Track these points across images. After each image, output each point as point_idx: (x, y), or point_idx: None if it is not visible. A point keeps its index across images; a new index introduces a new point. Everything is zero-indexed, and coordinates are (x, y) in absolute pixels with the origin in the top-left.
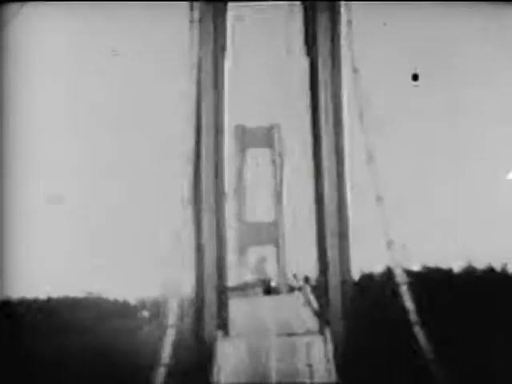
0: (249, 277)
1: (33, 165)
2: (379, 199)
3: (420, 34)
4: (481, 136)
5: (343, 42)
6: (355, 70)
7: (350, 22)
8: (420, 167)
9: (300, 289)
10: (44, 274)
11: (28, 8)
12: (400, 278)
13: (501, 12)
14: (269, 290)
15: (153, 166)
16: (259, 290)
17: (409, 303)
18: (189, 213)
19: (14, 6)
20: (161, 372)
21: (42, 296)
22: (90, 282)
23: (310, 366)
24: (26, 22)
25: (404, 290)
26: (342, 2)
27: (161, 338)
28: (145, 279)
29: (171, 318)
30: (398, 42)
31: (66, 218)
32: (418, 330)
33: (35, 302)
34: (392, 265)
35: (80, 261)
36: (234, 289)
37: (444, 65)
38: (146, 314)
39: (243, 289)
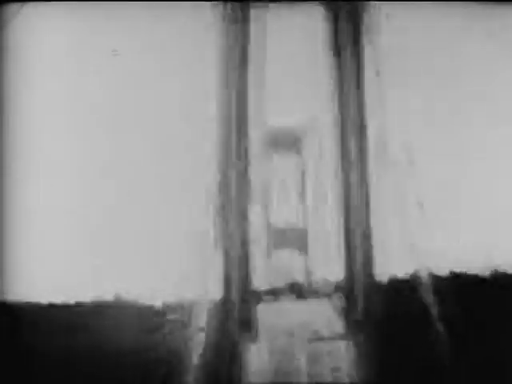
0: (277, 281)
1: (33, 165)
2: (419, 204)
3: (422, 33)
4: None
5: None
6: (378, 73)
7: (372, 27)
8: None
9: (329, 294)
10: (44, 275)
11: (28, 8)
12: (425, 279)
13: (502, 12)
14: (300, 294)
15: (174, 168)
16: (289, 294)
17: (431, 300)
18: (215, 217)
19: (14, 6)
20: (192, 374)
21: (43, 297)
22: (100, 285)
23: (335, 369)
24: (26, 22)
25: (428, 290)
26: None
27: (187, 341)
28: (164, 282)
29: (200, 321)
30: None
31: (67, 219)
32: (440, 327)
33: (35, 304)
34: (417, 267)
35: (83, 262)
36: (264, 293)
37: (445, 64)
38: (172, 316)
39: (273, 293)
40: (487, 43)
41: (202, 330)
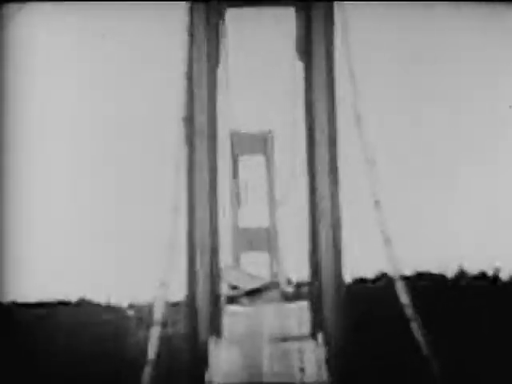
0: (245, 284)
1: (32, 165)
2: (377, 202)
3: (420, 34)
4: (484, 137)
5: (338, 44)
6: (352, 74)
7: (345, 23)
8: (418, 169)
9: (296, 296)
10: (42, 278)
11: (28, 8)
12: (396, 275)
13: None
14: (268, 296)
15: (148, 171)
16: (257, 296)
17: (405, 299)
18: (182, 218)
19: (14, 6)
20: (148, 370)
21: (39, 298)
22: (83, 286)
23: (302, 370)
24: (26, 22)
25: (400, 286)
26: (335, 3)
27: (147, 337)
28: (138, 284)
29: (156, 316)
30: (397, 42)
31: (64, 225)
32: (414, 326)
33: (31, 304)
34: (388, 262)
35: (74, 266)
36: (232, 295)
37: (445, 63)
38: (131, 313)
39: (241, 295)
40: (487, 43)
41: (160, 325)
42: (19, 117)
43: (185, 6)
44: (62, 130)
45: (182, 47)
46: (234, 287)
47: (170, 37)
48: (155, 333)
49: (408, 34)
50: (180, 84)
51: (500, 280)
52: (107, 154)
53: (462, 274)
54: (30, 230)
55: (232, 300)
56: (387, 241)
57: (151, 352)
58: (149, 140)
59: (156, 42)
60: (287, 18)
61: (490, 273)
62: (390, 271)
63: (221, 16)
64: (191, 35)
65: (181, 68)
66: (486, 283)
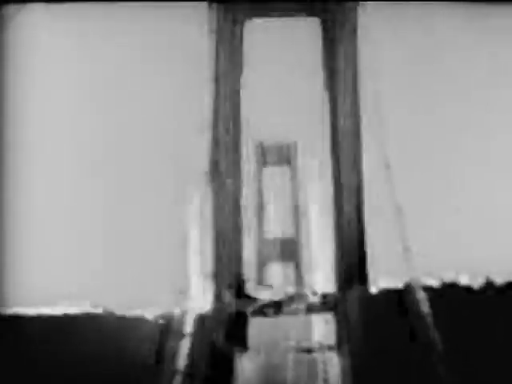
0: (271, 295)
1: (32, 165)
2: (398, 209)
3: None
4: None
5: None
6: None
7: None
8: (442, 177)
9: (321, 307)
10: (43, 283)
11: (28, 8)
12: (416, 285)
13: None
14: (291, 308)
15: (168, 181)
16: (282, 308)
17: (426, 308)
18: (208, 228)
19: (14, 7)
20: (178, 379)
21: (42, 308)
22: (94, 294)
23: (326, 381)
24: (26, 23)
25: (421, 297)
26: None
27: (177, 348)
28: (159, 292)
29: (187, 328)
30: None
31: (67, 229)
32: (435, 336)
33: (33, 317)
34: (409, 272)
35: (82, 273)
36: (257, 307)
37: (450, 66)
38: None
39: (266, 307)
40: (489, 44)
41: (187, 336)
42: (19, 117)
43: (207, 14)
44: (62, 129)
45: (205, 54)
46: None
47: (187, 41)
48: (185, 344)
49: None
50: (201, 91)
51: None
52: (111, 156)
53: (488, 285)
54: (30, 234)
55: (257, 312)
56: (406, 250)
57: (182, 362)
58: (168, 149)
59: (171, 43)
60: (312, 27)
61: None
62: (412, 281)
63: (242, 25)
64: (215, 43)
65: (202, 73)
66: None
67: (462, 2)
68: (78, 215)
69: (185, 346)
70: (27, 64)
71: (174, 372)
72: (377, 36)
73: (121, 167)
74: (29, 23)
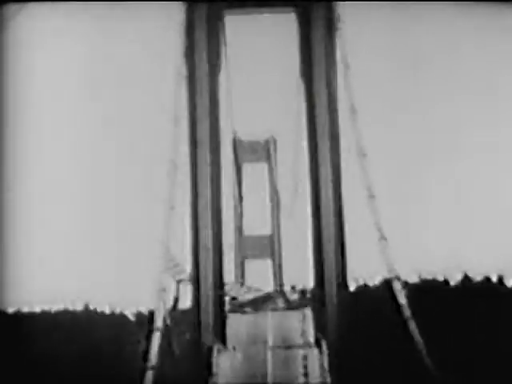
0: (249, 291)
1: (31, 166)
2: (371, 196)
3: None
4: (484, 137)
5: (339, 49)
6: (347, 66)
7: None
8: (418, 169)
9: (300, 303)
10: (42, 283)
11: (28, 8)
12: (395, 280)
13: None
14: (271, 304)
15: (148, 177)
16: (261, 304)
17: (402, 299)
18: (187, 225)
19: (13, 6)
20: (149, 375)
21: (41, 306)
22: (85, 293)
23: (305, 376)
24: (26, 22)
25: (397, 287)
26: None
27: (149, 343)
28: (141, 291)
29: (157, 322)
30: (397, 43)
31: (65, 227)
32: (413, 328)
33: (34, 312)
34: (387, 269)
35: (73, 271)
36: (237, 303)
37: (444, 63)
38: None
39: (246, 304)
40: (487, 43)
41: (160, 331)
42: (19, 117)
43: (183, 11)
44: (62, 130)
45: (182, 52)
46: (236, 299)
47: (170, 41)
48: (156, 339)
49: (407, 34)
50: (181, 90)
51: (505, 286)
52: (107, 156)
53: (466, 280)
54: (30, 233)
55: (234, 310)
56: (381, 238)
57: (153, 358)
58: (149, 143)
59: (156, 45)
60: (288, 22)
61: (494, 278)
62: (387, 272)
63: (220, 21)
64: (191, 41)
65: (181, 73)
66: (490, 289)
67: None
68: (75, 216)
69: (155, 342)
70: (27, 64)
71: (147, 368)
72: (354, 31)
73: (121, 167)
74: (29, 23)
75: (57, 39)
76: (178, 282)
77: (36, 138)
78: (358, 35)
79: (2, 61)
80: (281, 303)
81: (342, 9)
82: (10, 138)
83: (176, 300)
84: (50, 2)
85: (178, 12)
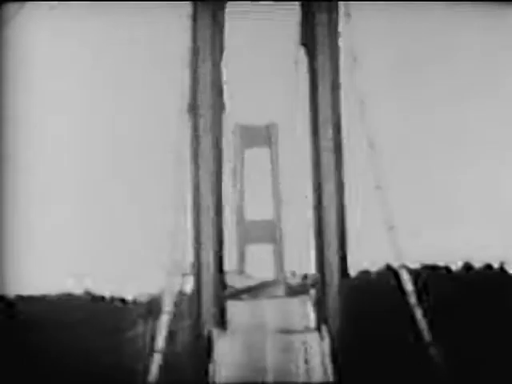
0: (250, 277)
1: (32, 163)
2: (378, 187)
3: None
4: (484, 133)
5: (342, 38)
6: (354, 59)
7: (348, 16)
8: (421, 159)
9: (301, 289)
10: (42, 272)
11: (28, 8)
12: (399, 262)
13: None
14: (273, 290)
15: (150, 166)
16: (262, 290)
17: (409, 286)
18: (188, 210)
19: (13, 6)
20: (157, 357)
21: (40, 292)
22: (88, 280)
23: (306, 361)
24: (26, 22)
25: (404, 274)
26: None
27: (156, 327)
28: (144, 278)
29: (166, 305)
30: (399, 39)
31: (65, 218)
32: (418, 313)
33: (33, 298)
34: (391, 249)
35: (77, 257)
36: (238, 289)
37: (445, 58)
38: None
39: (246, 290)
40: (487, 41)
41: (169, 314)
42: (19, 116)
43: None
44: (62, 129)
45: (185, 41)
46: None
47: (173, 31)
48: (164, 321)
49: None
50: (184, 78)
51: (506, 273)
52: (109, 149)
53: (467, 267)
54: (31, 222)
55: (232, 297)
56: (390, 228)
57: (160, 340)
58: (152, 135)
59: (158, 37)
60: (290, 8)
61: (496, 265)
62: (394, 260)
63: (223, 8)
64: (194, 29)
65: (184, 62)
66: (492, 276)
67: None
68: (79, 204)
69: (164, 325)
70: (27, 63)
71: (154, 351)
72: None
73: (123, 157)
74: (29, 23)
75: (57, 39)
76: (183, 275)
77: (36, 137)
78: (360, 35)
79: (2, 60)
80: (280, 290)
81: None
82: (11, 138)
83: (181, 293)
84: (49, 2)
85: (182, 5)
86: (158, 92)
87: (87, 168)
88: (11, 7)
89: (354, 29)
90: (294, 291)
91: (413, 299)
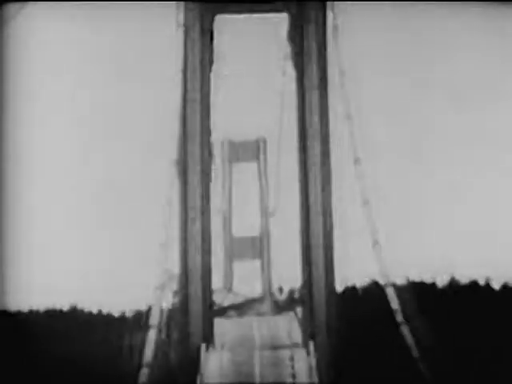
0: (238, 293)
1: (32, 164)
2: (366, 202)
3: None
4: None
5: (331, 49)
6: (342, 73)
7: (336, 28)
8: (409, 173)
9: (288, 305)
10: (42, 286)
11: (28, 8)
12: (385, 281)
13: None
14: (260, 307)
15: (140, 178)
16: (249, 306)
17: (395, 304)
18: (175, 226)
19: (14, 6)
20: (145, 372)
21: (40, 306)
22: (78, 294)
23: (293, 377)
24: (26, 22)
25: (390, 292)
26: (329, 4)
27: (144, 340)
28: (132, 291)
29: (153, 320)
30: (395, 41)
31: (56, 230)
32: (404, 331)
33: (32, 312)
34: (376, 272)
35: (65, 273)
36: (225, 307)
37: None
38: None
39: (234, 307)
40: (486, 42)
41: (156, 328)
42: (19, 116)
43: (176, 11)
44: (62, 128)
45: (176, 52)
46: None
47: (164, 39)
48: (152, 336)
49: (405, 33)
50: (173, 89)
51: (492, 289)
52: (105, 152)
53: (453, 283)
54: (29, 233)
55: (219, 314)
56: (375, 244)
57: (148, 354)
58: (145, 141)
59: (151, 44)
60: (278, 21)
61: (482, 282)
62: (380, 277)
63: (212, 21)
64: (184, 41)
65: (174, 74)
66: (478, 292)
67: None
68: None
69: (151, 339)
70: (27, 63)
71: (141, 364)
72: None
73: (117, 165)
74: (29, 22)
75: (57, 39)
76: (174, 293)
77: (37, 136)
78: (355, 35)
79: (2, 60)
80: (267, 307)
81: (338, 8)
82: (11, 138)
83: (169, 309)
84: (49, 2)
85: (171, 11)
86: (151, 97)
87: (81, 181)
88: (12, 7)
89: (343, 41)
90: (280, 308)
91: (399, 317)
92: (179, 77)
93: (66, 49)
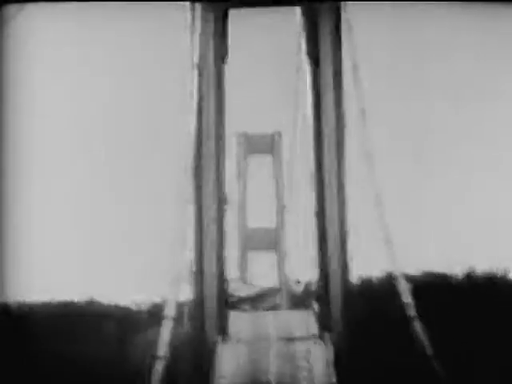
0: (252, 285)
1: (33, 167)
2: (378, 198)
3: (422, 34)
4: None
5: (345, 44)
6: (355, 68)
7: (350, 26)
8: (423, 168)
9: (304, 298)
10: (44, 279)
11: (28, 8)
12: (399, 275)
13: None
14: (274, 300)
15: (153, 171)
16: (264, 299)
17: (408, 299)
18: (191, 218)
19: (14, 6)
20: (160, 365)
21: (42, 300)
22: (91, 288)
23: (309, 370)
24: (26, 22)
25: (403, 287)
26: (342, 4)
27: (158, 334)
28: (146, 284)
29: (168, 311)
30: (401, 42)
31: (67, 223)
32: (417, 326)
33: (35, 305)
34: (390, 264)
35: (81, 266)
36: (240, 299)
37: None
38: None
39: (248, 299)
40: (486, 43)
41: (172, 320)
42: (19, 116)
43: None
44: (63, 128)
45: (189, 47)
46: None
47: (175, 37)
48: (167, 328)
49: (405, 33)
50: (187, 84)
51: (509, 281)
52: (109, 152)
53: (470, 275)
54: (31, 228)
55: (233, 306)
56: (388, 239)
57: (163, 347)
58: (153, 139)
59: (161, 42)
60: (294, 16)
61: (499, 273)
62: (393, 270)
63: (226, 15)
64: (196, 35)
65: (187, 68)
66: (495, 284)
67: None
68: (82, 210)
69: (167, 332)
70: (27, 64)
71: (156, 358)
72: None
73: (124, 162)
74: (29, 23)
75: (57, 39)
76: (190, 286)
77: (37, 136)
78: (360, 35)
79: (2, 60)
80: (282, 299)
81: (347, 8)
82: (11, 138)
83: (184, 301)
84: (49, 2)
85: (177, 9)
86: (160, 95)
87: (87, 167)
88: (11, 8)
89: (356, 37)
90: (296, 300)
91: (412, 312)
92: (191, 73)
93: (66, 49)
